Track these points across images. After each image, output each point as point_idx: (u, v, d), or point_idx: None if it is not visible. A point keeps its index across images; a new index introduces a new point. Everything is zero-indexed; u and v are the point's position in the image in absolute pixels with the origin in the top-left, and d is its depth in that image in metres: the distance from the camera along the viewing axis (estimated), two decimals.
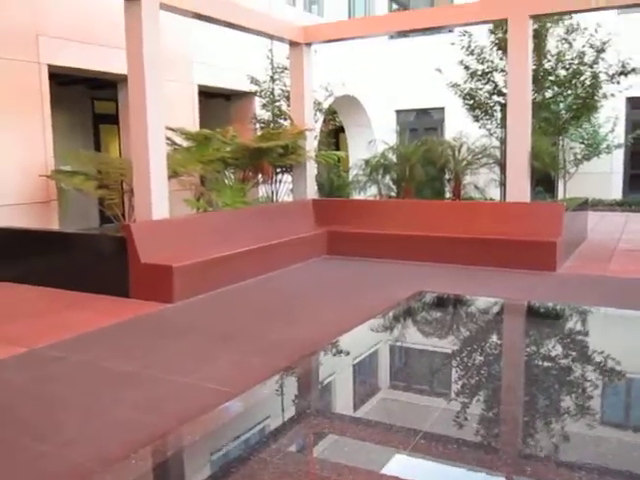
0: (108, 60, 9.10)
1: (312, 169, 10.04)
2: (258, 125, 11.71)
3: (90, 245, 7.07)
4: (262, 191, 10.50)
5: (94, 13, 8.93)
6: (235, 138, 9.03)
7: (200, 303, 6.20)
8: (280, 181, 10.40)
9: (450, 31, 13.29)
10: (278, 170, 10.14)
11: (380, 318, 5.49)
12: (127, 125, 7.38)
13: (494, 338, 5.35)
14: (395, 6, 19.23)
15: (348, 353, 4.77)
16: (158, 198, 7.01)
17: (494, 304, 6.17)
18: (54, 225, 8.59)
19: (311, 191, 9.95)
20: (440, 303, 6.38)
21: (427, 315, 6.09)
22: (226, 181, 9.09)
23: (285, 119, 11.03)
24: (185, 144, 8.94)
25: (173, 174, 7.76)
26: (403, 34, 15.42)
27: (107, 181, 7.95)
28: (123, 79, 7.83)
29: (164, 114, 7.24)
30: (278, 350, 4.55)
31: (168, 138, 8.26)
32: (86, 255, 6.87)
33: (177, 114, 10.06)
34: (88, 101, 12.59)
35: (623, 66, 12.23)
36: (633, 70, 12.18)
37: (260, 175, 9.72)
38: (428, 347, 5.08)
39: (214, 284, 6.63)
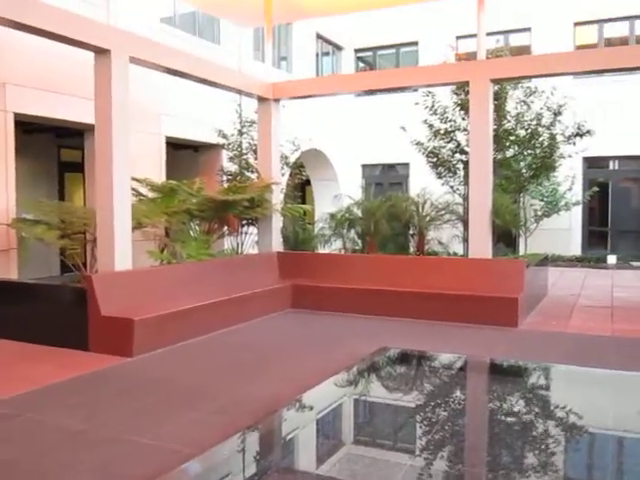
0: (76, 109, 9.11)
1: (278, 222, 10.08)
2: (225, 177, 11.77)
3: (49, 296, 6.90)
4: (227, 243, 10.48)
5: (62, 62, 8.97)
6: (201, 190, 9.04)
7: (161, 357, 6.07)
8: (246, 233, 10.41)
9: (415, 90, 13.71)
10: (244, 222, 10.16)
11: (344, 374, 5.44)
12: (93, 174, 7.36)
13: (458, 394, 5.34)
14: (361, 64, 19.83)
15: (312, 409, 4.70)
16: (121, 249, 6.94)
17: (457, 360, 6.18)
18: (13, 274, 8.39)
19: (276, 244, 9.97)
20: (404, 359, 6.37)
21: (391, 371, 6.07)
22: (191, 233, 9.06)
23: (252, 172, 11.12)
24: (151, 195, 8.91)
25: (137, 225, 7.70)
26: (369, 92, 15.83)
27: (70, 230, 7.83)
28: (90, 128, 7.83)
29: (130, 165, 7.24)
30: (241, 407, 4.47)
31: (134, 189, 8.24)
32: (45, 306, 6.70)
33: (144, 165, 10.07)
34: (54, 149, 12.53)
35: (579, 128, 12.76)
36: (588, 132, 12.71)
37: (226, 227, 9.71)
38: (392, 403, 5.04)
39: (176, 337, 6.52)
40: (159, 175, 10.85)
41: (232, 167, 11.87)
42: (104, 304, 6.22)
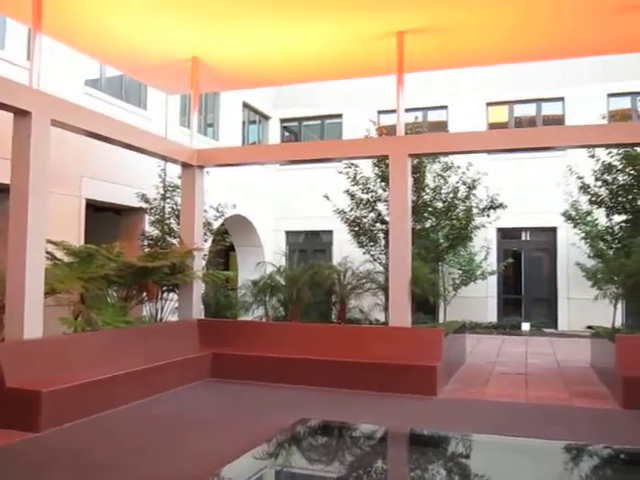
0: None
1: (199, 288, 9.94)
2: (147, 242, 11.57)
3: None
4: (146, 310, 10.20)
5: None
6: (121, 255, 8.83)
7: (71, 432, 5.74)
8: (166, 300, 10.18)
9: (339, 161, 14.13)
10: (164, 288, 9.95)
11: (264, 446, 5.29)
12: (5, 236, 7.06)
13: (379, 465, 5.29)
14: (287, 133, 20.30)
15: None
16: (32, 316, 6.63)
17: (378, 431, 6.16)
18: None
19: (197, 311, 9.79)
20: (325, 430, 6.27)
21: (312, 442, 5.95)
22: (108, 299, 8.77)
23: (174, 237, 11.00)
24: (67, 259, 8.61)
25: (51, 290, 7.39)
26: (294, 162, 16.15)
27: None
28: (5, 188, 7.57)
29: (47, 227, 7.02)
30: None
31: (49, 252, 7.95)
32: None
33: (62, 227, 9.78)
34: None
35: (492, 201, 13.47)
36: (500, 205, 13.44)
37: (145, 294, 9.47)
38: (314, 475, 4.93)
39: (89, 410, 6.21)
40: (77, 238, 10.54)
41: (154, 232, 11.70)
42: (10, 374, 5.87)
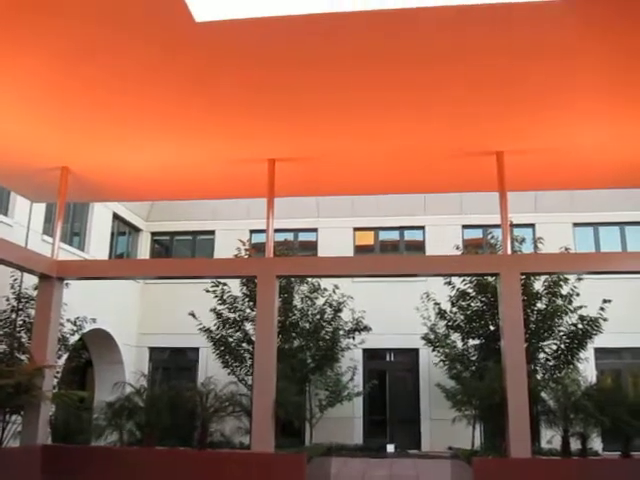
0: None
1: (47, 410, 9.12)
2: None
3: None
4: None
5: None
6: None
7: None
8: (8, 422, 9.21)
9: (208, 278, 14.03)
10: (7, 410, 9.03)
11: None
12: None
13: None
14: (158, 246, 20.02)
15: None
16: None
17: None
18: None
19: (43, 435, 8.93)
20: None
21: None
22: None
23: (24, 353, 10.19)
24: None
25: None
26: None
27: None
28: None
29: None
30: None
31: None
32: None
33: None
34: None
35: (357, 323, 13.86)
36: (365, 327, 13.85)
37: None
38: None
39: None
40: None
41: (1, 346, 10.79)
42: None
